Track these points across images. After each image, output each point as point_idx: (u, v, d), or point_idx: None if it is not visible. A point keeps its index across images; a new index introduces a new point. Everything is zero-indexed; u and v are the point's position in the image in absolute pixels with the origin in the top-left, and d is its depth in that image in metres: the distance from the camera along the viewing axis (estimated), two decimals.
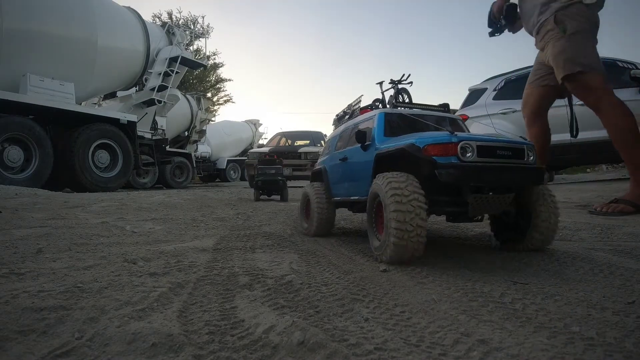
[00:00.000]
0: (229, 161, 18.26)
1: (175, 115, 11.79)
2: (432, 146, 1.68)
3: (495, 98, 5.58)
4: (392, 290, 1.33)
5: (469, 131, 2.36)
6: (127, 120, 8.46)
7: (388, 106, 2.43)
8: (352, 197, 2.29)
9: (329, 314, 1.12)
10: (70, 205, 4.06)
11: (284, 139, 9.94)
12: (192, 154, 13.20)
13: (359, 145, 2.15)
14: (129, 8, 9.67)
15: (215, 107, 25.99)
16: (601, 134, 3.24)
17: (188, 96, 13.36)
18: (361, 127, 2.27)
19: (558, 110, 3.28)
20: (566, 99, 3.11)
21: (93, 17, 8.05)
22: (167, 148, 11.00)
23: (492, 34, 3.18)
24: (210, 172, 18.07)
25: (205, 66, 13.74)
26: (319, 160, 3.06)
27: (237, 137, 19.43)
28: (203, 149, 16.53)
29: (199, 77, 24.26)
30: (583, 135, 3.58)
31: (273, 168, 5.87)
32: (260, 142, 19.59)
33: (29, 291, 1.21)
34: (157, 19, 22.21)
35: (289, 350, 0.88)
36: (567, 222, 2.55)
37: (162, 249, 1.98)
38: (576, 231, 2.36)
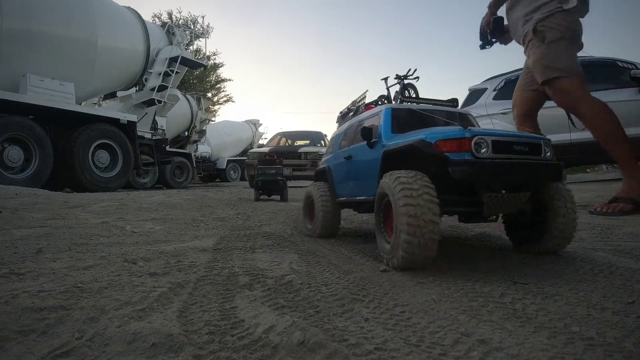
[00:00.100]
0: (229, 161, 18.26)
1: (175, 115, 11.80)
2: (444, 142, 1.58)
3: (495, 98, 5.58)
4: (392, 290, 1.33)
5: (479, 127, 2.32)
6: (127, 120, 8.46)
7: (394, 102, 2.36)
8: (358, 197, 2.21)
9: (329, 314, 1.12)
10: (70, 205, 4.05)
11: (284, 139, 9.93)
12: (192, 154, 13.20)
13: (365, 142, 2.06)
14: (129, 8, 9.68)
15: (216, 107, 26.00)
16: None
17: (188, 96, 13.37)
18: (366, 123, 2.18)
19: (556, 111, 3.30)
20: None
21: (93, 17, 8.06)
22: (167, 148, 11.00)
23: (482, 47, 3.30)
24: (210, 172, 18.07)
25: (205, 66, 13.74)
26: (322, 159, 3.00)
27: (237, 137, 19.43)
28: (203, 149, 16.53)
29: (199, 77, 24.26)
30: (583, 135, 3.59)
31: (273, 168, 5.87)
32: (260, 142, 19.58)
33: (29, 291, 1.21)
34: (157, 19, 22.22)
35: (289, 350, 0.88)
36: None
37: (162, 249, 1.98)
38: (576, 231, 2.36)
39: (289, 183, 6.56)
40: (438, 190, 1.51)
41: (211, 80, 26.49)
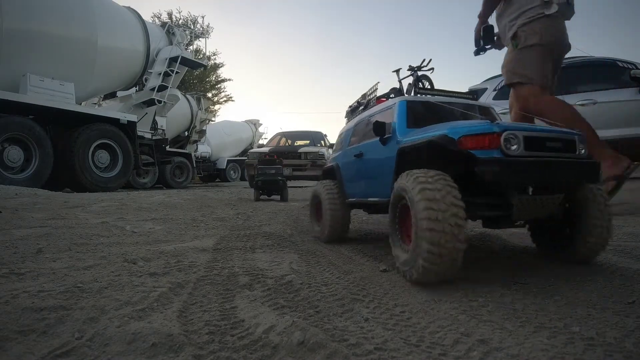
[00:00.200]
0: (229, 161, 18.26)
1: (175, 115, 11.79)
2: (469, 137, 1.40)
3: (495, 98, 5.57)
4: (392, 290, 1.33)
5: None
6: (127, 120, 8.46)
7: (406, 95, 2.19)
8: (370, 199, 2.04)
9: (329, 314, 1.12)
10: (70, 205, 4.05)
11: (284, 139, 9.93)
12: (192, 154, 13.20)
13: (377, 138, 1.89)
14: (129, 8, 9.68)
15: (216, 107, 26.02)
16: (601, 133, 3.26)
17: (188, 96, 13.36)
18: (379, 118, 1.98)
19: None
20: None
21: (93, 17, 8.06)
22: (167, 148, 10.99)
23: (476, 53, 3.39)
24: (210, 172, 18.07)
25: (205, 66, 13.74)
26: (330, 157, 2.84)
27: (237, 137, 19.43)
28: (203, 149, 16.52)
29: (199, 77, 24.26)
30: None
31: (273, 168, 5.87)
32: (260, 142, 19.58)
33: (29, 291, 1.21)
34: (157, 19, 22.19)
35: (289, 350, 0.88)
36: None
37: (162, 249, 1.98)
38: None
39: (289, 183, 6.57)
40: (460, 192, 1.35)
41: (211, 80, 26.48)
